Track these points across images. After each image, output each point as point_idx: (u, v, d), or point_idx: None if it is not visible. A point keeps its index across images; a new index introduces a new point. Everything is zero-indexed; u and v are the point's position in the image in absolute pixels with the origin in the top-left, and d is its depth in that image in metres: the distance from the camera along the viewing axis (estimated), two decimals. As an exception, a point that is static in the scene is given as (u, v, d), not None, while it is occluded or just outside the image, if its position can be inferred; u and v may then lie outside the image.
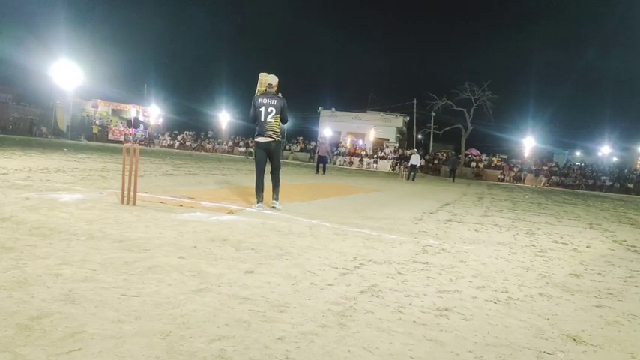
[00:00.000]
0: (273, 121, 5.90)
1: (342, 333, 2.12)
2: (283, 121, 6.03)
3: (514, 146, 43.76)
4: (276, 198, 6.12)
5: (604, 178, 34.50)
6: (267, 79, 5.94)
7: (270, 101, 5.87)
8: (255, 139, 6.03)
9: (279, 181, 6.21)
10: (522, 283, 3.35)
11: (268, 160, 6.08)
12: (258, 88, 6.03)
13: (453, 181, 26.24)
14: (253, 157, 6.36)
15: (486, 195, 14.91)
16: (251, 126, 6.27)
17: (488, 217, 7.62)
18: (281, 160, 6.52)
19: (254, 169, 6.16)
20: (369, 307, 2.52)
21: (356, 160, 40.04)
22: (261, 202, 5.96)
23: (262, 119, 5.87)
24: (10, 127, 36.35)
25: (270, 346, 1.91)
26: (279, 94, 6.01)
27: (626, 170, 36.14)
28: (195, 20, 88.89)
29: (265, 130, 5.89)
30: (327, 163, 20.08)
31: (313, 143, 42.02)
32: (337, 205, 7.35)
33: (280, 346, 1.91)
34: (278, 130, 5.98)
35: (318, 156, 20.27)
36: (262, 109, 5.86)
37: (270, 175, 6.17)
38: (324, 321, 2.25)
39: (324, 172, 18.86)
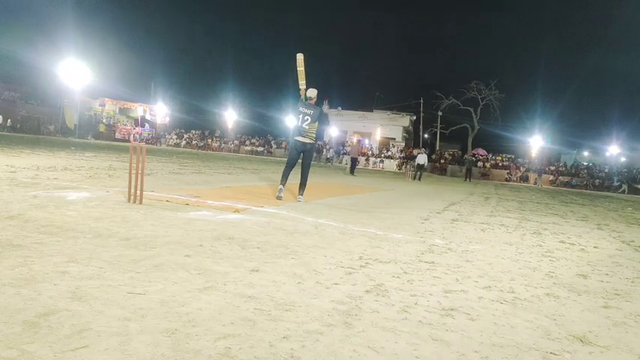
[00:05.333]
0: (307, 127, 6.91)
1: (347, 332, 2.12)
2: (322, 125, 7.25)
3: (521, 146, 43.53)
4: (301, 194, 7.11)
5: (610, 181, 34.01)
6: (309, 92, 7.00)
7: (308, 111, 6.92)
8: (295, 138, 7.02)
9: (306, 180, 7.20)
10: (529, 284, 3.33)
11: (301, 158, 7.12)
12: (298, 70, 7.04)
13: (465, 180, 26.45)
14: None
15: (493, 195, 14.84)
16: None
17: (494, 217, 7.59)
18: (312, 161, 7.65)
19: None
20: (375, 306, 2.51)
21: (362, 159, 40.01)
22: (283, 186, 6.99)
23: (299, 124, 6.96)
24: (18, 125, 36.65)
25: (276, 344, 1.91)
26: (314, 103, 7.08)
27: (634, 170, 35.81)
28: (202, 19, 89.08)
29: (303, 133, 6.93)
30: (356, 164, 21.44)
31: (319, 142, 42.06)
32: (343, 205, 7.34)
33: (285, 345, 1.92)
34: (314, 135, 7.02)
35: (351, 158, 21.70)
36: (300, 116, 6.94)
37: (300, 173, 7.16)
38: (329, 320, 2.24)
39: (353, 173, 19.94)
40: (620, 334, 2.45)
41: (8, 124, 36.22)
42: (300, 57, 7.07)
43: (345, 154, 40.52)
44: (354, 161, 21.08)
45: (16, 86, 39.10)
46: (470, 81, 39.78)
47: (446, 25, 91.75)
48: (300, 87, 7.08)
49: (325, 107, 7.21)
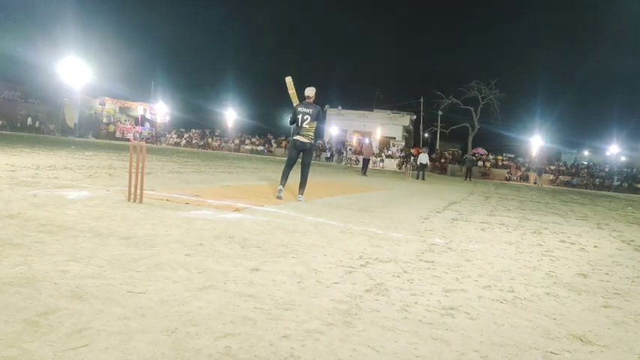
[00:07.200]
0: (308, 126, 6.94)
1: (347, 331, 2.12)
2: (320, 123, 7.23)
3: (521, 145, 43.53)
4: (301, 193, 7.11)
5: (610, 180, 33.93)
6: (306, 91, 6.99)
7: (307, 110, 6.95)
8: (294, 137, 7.08)
9: (306, 180, 7.21)
10: (529, 283, 3.33)
11: (301, 157, 7.14)
12: (289, 92, 7.24)
13: (465, 179, 26.49)
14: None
15: (493, 194, 14.84)
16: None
17: (494, 217, 7.59)
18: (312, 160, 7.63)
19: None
20: (375, 305, 2.51)
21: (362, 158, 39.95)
22: (283, 186, 7.00)
23: (300, 124, 6.96)
24: (18, 124, 36.67)
25: (276, 343, 1.92)
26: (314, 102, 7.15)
27: (634, 170, 35.79)
28: (202, 19, 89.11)
29: (302, 133, 6.95)
30: (368, 165, 21.69)
31: (319, 142, 42.03)
32: (343, 204, 7.34)
33: (285, 344, 1.92)
34: (313, 134, 7.06)
35: (363, 159, 22.01)
36: (300, 117, 6.94)
37: (300, 172, 7.16)
38: (329, 319, 2.25)
39: (365, 173, 20.10)
40: (620, 334, 2.45)
41: (36, 125, 36.66)
42: (289, 80, 7.18)
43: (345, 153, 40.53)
44: (366, 162, 21.34)
45: (16, 85, 39.07)
46: (470, 80, 39.83)
47: (446, 24, 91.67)
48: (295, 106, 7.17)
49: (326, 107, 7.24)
